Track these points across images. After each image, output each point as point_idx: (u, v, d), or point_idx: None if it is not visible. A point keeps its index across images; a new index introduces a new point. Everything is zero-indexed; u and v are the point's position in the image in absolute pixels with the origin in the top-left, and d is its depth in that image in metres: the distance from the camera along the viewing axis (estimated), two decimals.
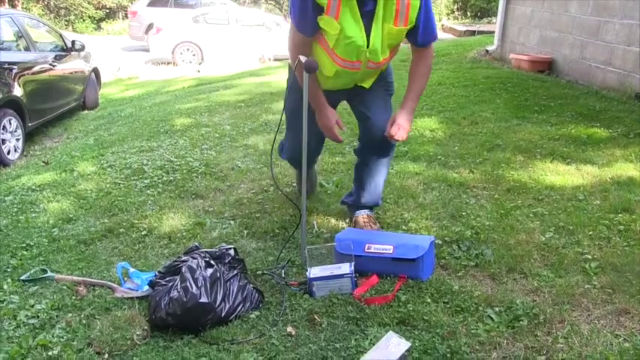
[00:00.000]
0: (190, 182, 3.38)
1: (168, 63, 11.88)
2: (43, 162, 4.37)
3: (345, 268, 2.10)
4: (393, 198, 2.91)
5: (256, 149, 4.00)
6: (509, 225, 2.57)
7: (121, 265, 2.27)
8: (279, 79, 7.19)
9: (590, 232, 2.47)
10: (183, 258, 2.06)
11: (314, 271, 2.09)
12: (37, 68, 5.60)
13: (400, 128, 2.24)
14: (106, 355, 1.79)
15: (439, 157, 3.58)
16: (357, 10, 2.08)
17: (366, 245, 2.19)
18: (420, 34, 2.18)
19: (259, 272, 2.27)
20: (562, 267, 2.20)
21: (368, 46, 2.15)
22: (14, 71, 5.03)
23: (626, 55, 5.05)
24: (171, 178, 3.46)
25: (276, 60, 10.84)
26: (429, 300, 2.01)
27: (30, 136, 5.44)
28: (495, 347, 1.75)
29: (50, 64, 5.94)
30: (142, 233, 2.69)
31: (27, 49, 5.65)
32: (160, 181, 3.42)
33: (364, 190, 2.59)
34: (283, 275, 2.22)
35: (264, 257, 2.39)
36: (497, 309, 1.94)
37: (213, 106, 5.65)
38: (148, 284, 2.11)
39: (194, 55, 12.09)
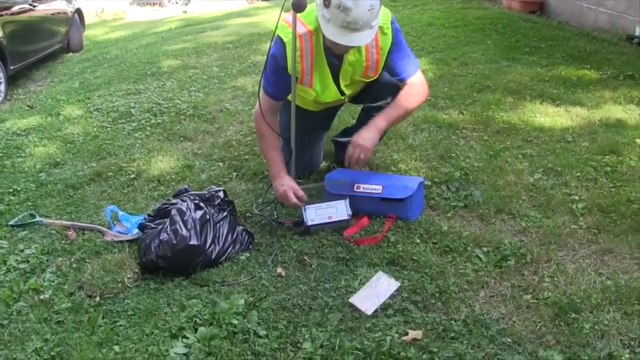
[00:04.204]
0: (178, 125, 3.30)
1: (154, 4, 11.40)
2: (28, 106, 4.22)
3: (342, 210, 2.06)
4: (382, 139, 2.85)
5: (245, 91, 3.89)
6: (498, 166, 2.53)
7: (110, 209, 2.21)
8: (268, 19, 6.93)
9: (578, 174, 2.43)
10: (173, 201, 2.02)
11: (310, 214, 2.05)
12: (15, 8, 5.32)
13: (358, 149, 2.07)
14: (98, 298, 1.76)
15: (429, 98, 3.48)
16: (328, 72, 2.13)
17: (355, 185, 2.15)
18: (397, 69, 2.15)
19: (249, 214, 2.24)
20: (549, 208, 2.18)
21: (343, 95, 2.22)
22: None
23: None
24: (159, 120, 3.37)
25: (264, 0, 10.42)
26: (418, 240, 1.99)
27: (13, 80, 5.24)
28: (483, 286, 1.75)
29: (30, 5, 5.65)
30: (131, 176, 2.63)
31: None
32: (147, 124, 3.33)
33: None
34: (275, 216, 2.19)
35: (254, 199, 2.35)
36: (485, 249, 1.92)
37: (201, 47, 5.47)
38: (138, 227, 2.07)
39: None
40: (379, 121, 2.14)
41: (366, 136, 2.11)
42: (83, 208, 2.36)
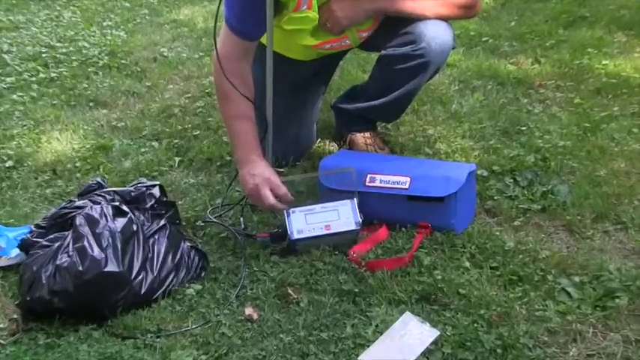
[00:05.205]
0: (86, 81, 3.32)
1: None
2: None
3: (347, 215, 2.08)
4: (410, 104, 2.85)
5: (192, 28, 3.93)
6: (598, 146, 2.56)
7: None
8: None
9: None
10: (78, 203, 2.03)
11: (297, 223, 2.06)
12: None
13: (327, 14, 2.24)
14: None
15: (485, 38, 3.53)
16: None
17: (368, 176, 2.17)
18: None
19: (200, 223, 2.26)
20: None
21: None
22: None
23: None
24: (54, 74, 3.39)
25: None
26: (467, 264, 2.01)
27: None
28: (575, 339, 1.76)
29: None
30: (6, 165, 2.66)
31: None
32: (33, 79, 3.35)
33: (385, 97, 2.45)
34: (243, 225, 2.20)
35: (209, 199, 2.37)
36: (577, 279, 1.94)
37: None
38: (19, 246, 2.07)
39: None
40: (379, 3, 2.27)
41: (348, 9, 2.24)
42: None
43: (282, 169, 2.43)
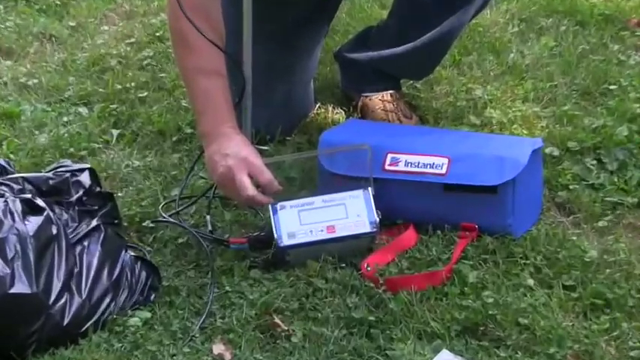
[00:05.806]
0: None
1: None
2: None
3: (358, 211, 2.10)
4: (448, 53, 2.87)
5: None
6: None
7: None
8: None
9: None
10: None
11: (287, 222, 2.08)
12: None
13: None
14: None
15: None
16: None
17: (389, 156, 2.19)
18: None
19: (149, 223, 2.28)
20: None
21: None
22: None
23: None
24: None
25: None
26: (530, 282, 2.02)
27: None
28: None
29: None
30: None
31: None
32: None
33: (411, 42, 2.50)
34: (210, 227, 2.23)
35: (161, 188, 2.39)
36: None
37: None
38: None
39: None
40: None
41: None
42: None
43: (266, 147, 2.44)
